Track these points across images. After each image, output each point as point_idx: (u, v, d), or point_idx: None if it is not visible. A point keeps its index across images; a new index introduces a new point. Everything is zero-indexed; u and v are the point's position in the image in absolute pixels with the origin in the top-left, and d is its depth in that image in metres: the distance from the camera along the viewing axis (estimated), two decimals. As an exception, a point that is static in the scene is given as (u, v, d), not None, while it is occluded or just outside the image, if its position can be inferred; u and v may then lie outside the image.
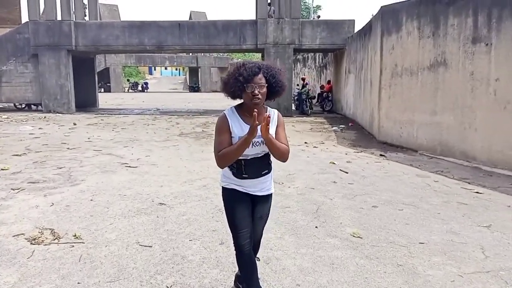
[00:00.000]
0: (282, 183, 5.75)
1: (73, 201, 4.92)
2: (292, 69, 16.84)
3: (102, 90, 38.18)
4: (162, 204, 4.80)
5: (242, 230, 2.41)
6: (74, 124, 13.18)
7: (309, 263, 3.28)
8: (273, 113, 2.40)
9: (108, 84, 39.52)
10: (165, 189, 5.45)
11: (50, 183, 5.79)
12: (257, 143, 2.30)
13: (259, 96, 2.21)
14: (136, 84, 44.01)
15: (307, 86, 18.57)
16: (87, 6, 20.57)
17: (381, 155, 8.15)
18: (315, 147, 9.13)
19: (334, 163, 7.21)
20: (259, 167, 2.38)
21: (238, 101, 2.39)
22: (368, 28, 11.78)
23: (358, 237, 3.82)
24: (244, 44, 16.60)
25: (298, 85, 19.61)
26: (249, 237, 2.44)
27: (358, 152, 8.53)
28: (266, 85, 2.25)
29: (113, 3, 48.79)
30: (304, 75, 23.85)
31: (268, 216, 2.59)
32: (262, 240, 2.77)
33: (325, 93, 18.84)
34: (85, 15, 21.76)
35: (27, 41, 16.60)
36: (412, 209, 4.68)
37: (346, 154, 8.27)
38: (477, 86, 7.07)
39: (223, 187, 2.50)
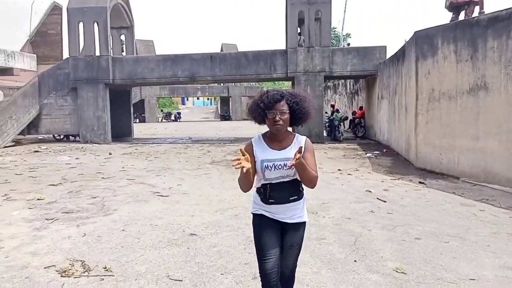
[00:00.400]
0: (316, 213, 5.52)
1: (105, 232, 4.89)
2: (322, 96, 16.73)
3: (137, 120, 39.30)
4: (193, 234, 4.68)
5: (268, 257, 2.34)
6: (110, 154, 13.48)
7: (349, 301, 3.03)
8: (301, 139, 2.39)
9: (143, 115, 40.70)
10: (196, 219, 5.35)
11: (83, 213, 5.82)
12: (279, 166, 2.30)
13: (280, 122, 2.27)
14: (169, 114, 45.09)
15: (339, 112, 18.33)
16: (124, 43, 21.50)
17: (420, 182, 7.76)
18: (349, 174, 8.84)
19: (371, 191, 6.90)
20: (286, 192, 2.34)
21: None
22: (401, 54, 11.57)
23: (402, 272, 3.53)
24: (275, 73, 16.72)
25: (326, 112, 19.39)
26: (275, 266, 2.34)
27: (395, 179, 8.17)
28: (288, 111, 2.29)
29: (149, 38, 50.92)
30: (335, 101, 23.67)
31: (300, 246, 2.45)
32: (297, 275, 2.60)
33: (357, 119, 18.54)
34: (123, 51, 22.73)
35: (67, 76, 17.41)
36: (459, 241, 4.33)
37: (382, 181, 7.94)
38: (522, 109, 6.67)
39: (252, 214, 2.48)
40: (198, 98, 68.98)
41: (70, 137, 18.94)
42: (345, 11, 42.28)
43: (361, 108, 18.83)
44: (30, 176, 9.10)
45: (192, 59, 17.08)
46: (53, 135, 18.93)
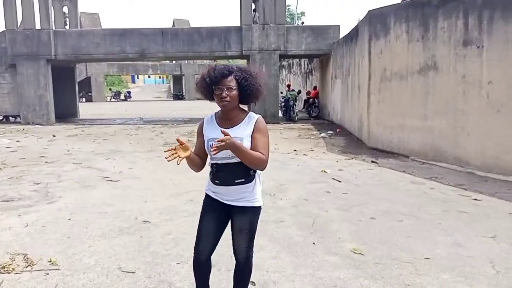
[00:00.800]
0: (274, 195, 5.47)
1: (49, 221, 4.53)
2: (278, 75, 16.67)
3: (84, 100, 37.42)
4: (146, 222, 4.45)
5: (202, 236, 2.33)
6: (54, 136, 12.68)
7: (309, 286, 2.99)
8: (253, 118, 2.27)
9: (89, 94, 38.77)
10: (150, 205, 5.11)
11: (25, 201, 5.38)
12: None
13: (227, 98, 2.17)
14: (119, 93, 43.31)
15: (295, 91, 18.32)
16: (67, 15, 20.10)
17: (372, 161, 7.94)
18: (304, 154, 8.89)
19: (326, 172, 6.96)
20: (231, 173, 2.22)
21: None
22: (354, 33, 11.66)
23: (360, 253, 3.54)
24: (229, 51, 16.36)
25: (282, 92, 19.38)
26: (206, 250, 2.33)
27: (349, 159, 8.31)
28: (236, 88, 2.18)
29: (94, 11, 48.10)
30: (289, 81, 23.73)
31: (251, 232, 2.32)
32: (256, 260, 2.51)
33: (311, 99, 18.71)
34: (66, 25, 21.25)
35: (4, 51, 16.04)
36: (412, 219, 4.44)
37: (337, 161, 8.04)
38: (469, 90, 6.93)
39: (205, 193, 2.42)
40: (149, 77, 66.69)
41: (10, 118, 17.63)
42: (299, -11, 41.97)
43: (315, 88, 18.99)
44: (-37, 161, 8.33)
45: (142, 34, 16.30)
46: (-9, 116, 17.53)
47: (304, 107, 20.21)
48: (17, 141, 11.41)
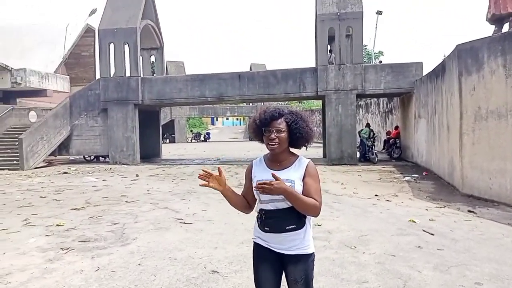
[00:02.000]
0: (355, 247, 4.89)
1: (120, 265, 4.46)
2: (355, 115, 16.03)
3: (167, 141, 39.62)
4: (215, 272, 4.16)
5: None
6: (137, 175, 13.27)
7: None
8: (304, 162, 2.21)
9: (173, 135, 41.02)
10: (220, 252, 4.83)
11: (101, 242, 5.44)
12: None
13: (276, 140, 2.15)
14: (199, 134, 45.27)
15: (367, 128, 17.22)
16: (154, 64, 21.70)
17: (469, 211, 6.96)
18: (388, 200, 8.12)
19: (415, 222, 6.18)
20: (281, 219, 2.13)
21: None
22: (440, 69, 10.85)
23: (467, 332, 2.86)
24: (304, 92, 16.23)
25: (361, 130, 18.19)
26: None
27: (440, 207, 7.39)
28: (286, 130, 2.16)
29: (180, 60, 51.87)
30: (367, 120, 22.81)
31: (307, 281, 2.17)
32: None
33: (392, 140, 17.66)
34: (153, 72, 22.96)
35: (98, 96, 17.58)
36: (532, 289, 3.60)
37: (426, 210, 7.18)
38: None
39: (253, 241, 2.31)
40: (227, 118, 69.34)
41: (100, 158, 19.04)
42: (376, 27, 41.50)
43: (396, 127, 17.96)
44: (54, 199, 8.89)
45: (220, 78, 16.88)
46: (83, 156, 19.07)
47: (384, 148, 19.13)
48: (103, 180, 12.09)
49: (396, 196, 8.64)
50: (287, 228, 2.12)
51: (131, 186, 10.82)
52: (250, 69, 38.27)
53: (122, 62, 17.44)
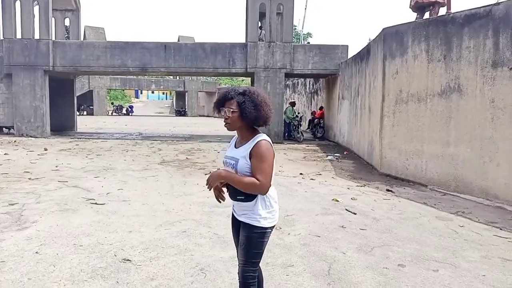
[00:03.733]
0: (280, 228, 4.70)
1: (12, 254, 3.79)
2: (283, 94, 16.03)
3: (85, 113, 36.93)
4: (127, 260, 3.68)
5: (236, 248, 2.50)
6: (45, 149, 11.98)
7: None
8: (253, 141, 2.29)
9: (91, 107, 38.26)
10: (134, 237, 4.35)
11: (-8, 225, 4.64)
12: (227, 163, 2.36)
13: (228, 120, 2.29)
14: (121, 107, 42.78)
15: (290, 106, 17.34)
16: (68, 28, 19.65)
17: (388, 190, 7.19)
18: (312, 179, 8.14)
19: (338, 201, 6.20)
20: (235, 189, 2.29)
21: None
22: (365, 52, 11.07)
23: (393, 318, 2.78)
24: (233, 68, 15.80)
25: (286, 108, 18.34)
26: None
27: (361, 186, 7.56)
28: (237, 110, 2.26)
29: (100, 26, 48.11)
30: (293, 100, 23.10)
31: (246, 247, 2.32)
32: None
33: (316, 120, 18.06)
34: (67, 37, 20.82)
35: (1, 60, 15.50)
36: (449, 269, 3.67)
37: (348, 188, 7.29)
38: (499, 115, 6.24)
39: None
40: (152, 92, 66.52)
41: (4, 129, 16.95)
42: (305, 9, 42.09)
43: (321, 108, 18.36)
44: None
45: (144, 47, 15.76)
46: (-17, 127, 16.86)
47: (308, 127, 19.54)
48: (5, 154, 10.71)
49: (320, 174, 8.71)
50: (238, 198, 2.30)
51: (37, 161, 9.69)
52: (178, 41, 36.73)
53: (31, 22, 15.47)
